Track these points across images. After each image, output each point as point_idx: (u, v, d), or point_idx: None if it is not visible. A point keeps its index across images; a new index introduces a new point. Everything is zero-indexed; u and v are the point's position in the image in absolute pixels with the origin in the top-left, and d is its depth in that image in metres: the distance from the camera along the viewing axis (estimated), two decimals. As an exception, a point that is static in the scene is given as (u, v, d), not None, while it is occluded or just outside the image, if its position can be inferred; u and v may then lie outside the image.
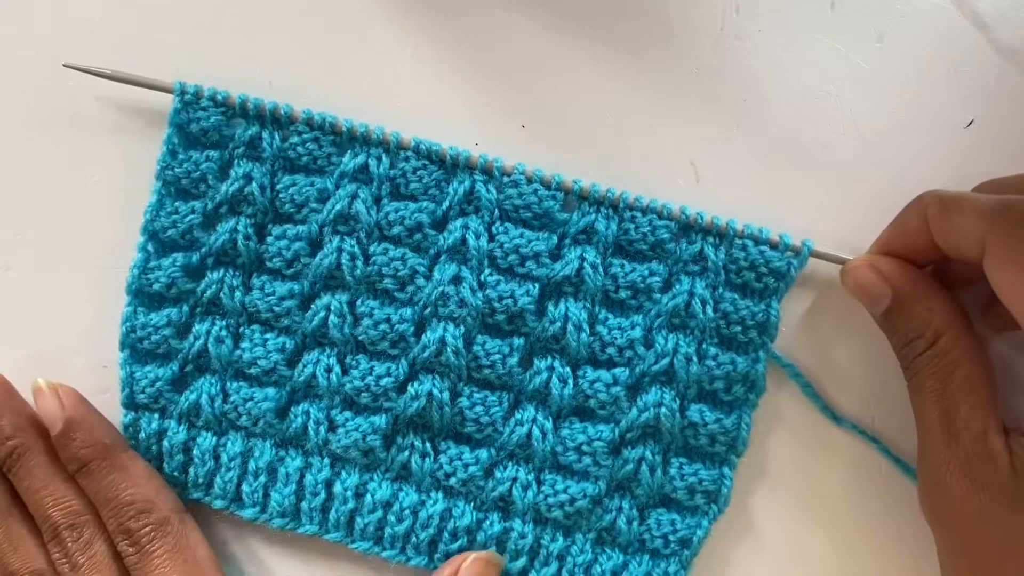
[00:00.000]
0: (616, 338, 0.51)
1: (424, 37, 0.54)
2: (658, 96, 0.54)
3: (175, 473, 0.51)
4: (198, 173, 0.51)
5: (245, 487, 0.51)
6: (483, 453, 0.51)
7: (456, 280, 0.51)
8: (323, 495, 0.51)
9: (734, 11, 0.54)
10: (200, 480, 0.51)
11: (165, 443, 0.51)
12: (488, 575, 0.50)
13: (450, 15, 0.54)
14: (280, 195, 0.51)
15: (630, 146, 0.54)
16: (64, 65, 0.51)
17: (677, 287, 0.51)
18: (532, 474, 0.51)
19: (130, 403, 0.51)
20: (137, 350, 0.52)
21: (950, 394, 0.46)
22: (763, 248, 0.51)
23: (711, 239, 0.51)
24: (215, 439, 0.52)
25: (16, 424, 0.49)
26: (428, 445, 0.51)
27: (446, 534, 0.51)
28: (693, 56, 0.54)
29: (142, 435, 0.51)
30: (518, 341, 0.51)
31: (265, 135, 0.51)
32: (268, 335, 0.52)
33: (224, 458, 0.51)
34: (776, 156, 0.54)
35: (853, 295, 0.50)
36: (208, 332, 0.51)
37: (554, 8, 0.54)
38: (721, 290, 0.51)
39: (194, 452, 0.51)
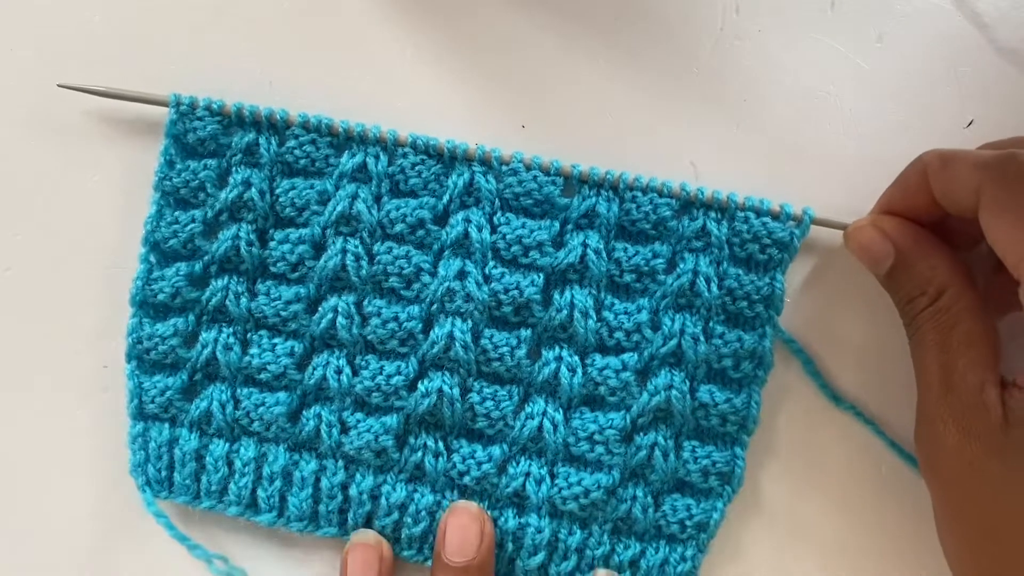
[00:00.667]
0: (623, 323, 0.51)
1: (424, 37, 0.54)
2: (658, 96, 0.54)
3: (187, 482, 0.51)
4: (196, 182, 0.51)
5: (260, 492, 0.51)
6: (495, 450, 0.51)
7: (461, 275, 0.51)
8: (340, 498, 0.51)
9: (734, 11, 0.54)
10: (213, 487, 0.51)
11: (177, 451, 0.51)
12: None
13: (450, 15, 0.54)
14: (280, 199, 0.51)
15: (630, 146, 0.53)
16: (59, 85, 0.51)
17: (681, 266, 0.51)
18: (545, 468, 0.51)
19: (139, 413, 0.52)
20: (144, 361, 0.52)
21: (950, 348, 0.46)
22: (765, 219, 0.51)
23: (713, 214, 0.51)
24: (227, 446, 0.52)
25: None
26: (441, 444, 0.51)
27: None
28: (693, 56, 0.54)
29: (152, 445, 0.51)
30: (526, 332, 0.51)
31: (262, 141, 0.51)
32: (276, 340, 0.52)
33: (238, 464, 0.51)
34: (776, 156, 0.54)
35: (856, 257, 0.50)
36: (216, 340, 0.51)
37: (554, 8, 0.54)
38: (725, 265, 0.51)
39: (207, 459, 0.51)
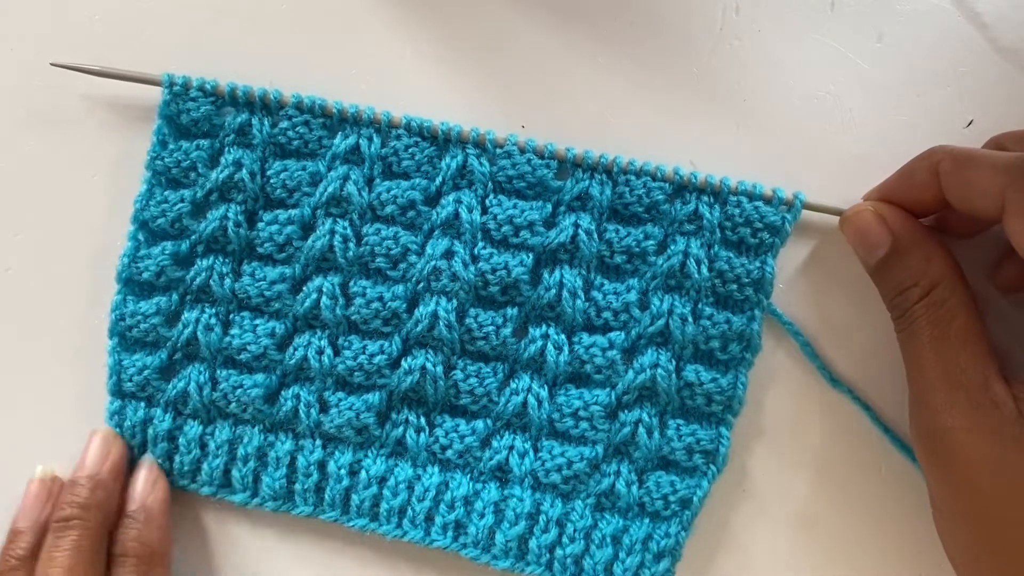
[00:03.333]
0: (612, 302, 0.51)
1: (424, 38, 0.54)
2: (658, 96, 0.54)
3: (159, 461, 0.51)
4: (188, 162, 0.51)
5: (234, 473, 0.51)
6: (479, 424, 0.51)
7: (448, 254, 0.51)
8: (316, 475, 0.51)
9: (734, 11, 0.55)
10: (186, 468, 0.51)
11: (150, 431, 0.51)
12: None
13: (450, 16, 0.55)
14: (271, 181, 0.51)
15: (630, 146, 0.53)
16: (52, 64, 0.51)
17: (672, 247, 0.51)
18: (529, 442, 0.51)
19: (117, 391, 0.51)
20: (126, 338, 0.51)
21: (948, 343, 0.46)
22: (757, 204, 0.51)
23: (706, 198, 0.51)
24: (201, 427, 0.51)
25: (93, 499, 0.49)
26: (423, 420, 0.51)
27: (443, 505, 0.51)
28: (693, 56, 0.54)
29: (127, 423, 0.51)
30: (512, 311, 0.51)
31: (255, 121, 0.51)
32: (258, 320, 0.51)
33: (211, 446, 0.51)
34: (776, 156, 0.54)
35: (851, 242, 0.51)
36: (197, 320, 0.51)
37: (554, 9, 0.55)
38: (716, 248, 0.51)
39: (180, 441, 0.51)
